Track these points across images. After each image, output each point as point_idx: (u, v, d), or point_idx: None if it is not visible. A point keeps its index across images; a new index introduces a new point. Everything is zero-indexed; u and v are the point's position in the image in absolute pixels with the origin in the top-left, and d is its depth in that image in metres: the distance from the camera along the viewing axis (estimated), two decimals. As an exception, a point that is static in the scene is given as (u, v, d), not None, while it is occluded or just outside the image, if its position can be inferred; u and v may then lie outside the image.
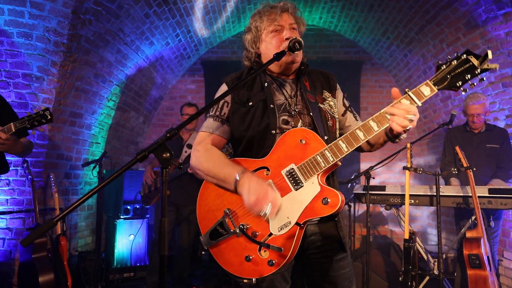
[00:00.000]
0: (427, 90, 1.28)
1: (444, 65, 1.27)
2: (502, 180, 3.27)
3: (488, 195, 2.83)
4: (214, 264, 4.26)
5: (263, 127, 1.48)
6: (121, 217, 4.32)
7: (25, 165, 3.41)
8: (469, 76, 1.23)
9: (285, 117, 1.50)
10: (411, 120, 1.26)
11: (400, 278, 2.69)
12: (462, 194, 2.93)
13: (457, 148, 2.85)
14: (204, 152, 1.52)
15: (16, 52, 3.29)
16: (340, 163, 1.41)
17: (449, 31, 3.94)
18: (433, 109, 4.87)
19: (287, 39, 1.48)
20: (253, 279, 1.37)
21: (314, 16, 5.56)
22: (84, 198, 0.98)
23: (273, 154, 1.43)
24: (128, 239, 4.28)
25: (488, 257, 2.58)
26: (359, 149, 1.59)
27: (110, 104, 4.52)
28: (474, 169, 2.76)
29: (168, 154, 1.08)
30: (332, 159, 1.33)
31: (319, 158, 1.34)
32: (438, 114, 4.71)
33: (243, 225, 1.39)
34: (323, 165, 1.34)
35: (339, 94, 1.67)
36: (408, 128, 1.27)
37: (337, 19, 5.44)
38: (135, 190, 4.35)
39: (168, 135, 1.11)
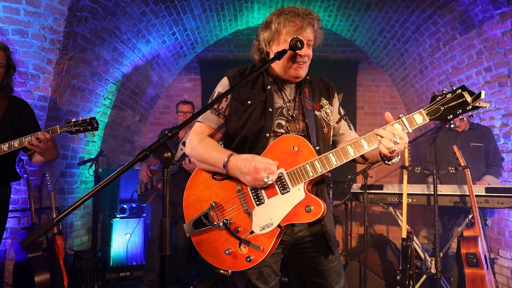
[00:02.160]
0: (419, 118, 1.35)
1: (439, 97, 1.34)
2: (494, 176, 3.32)
3: (485, 194, 2.86)
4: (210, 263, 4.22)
5: (258, 128, 1.51)
6: (117, 216, 4.30)
7: (21, 163, 3.38)
8: (460, 111, 1.31)
9: (280, 121, 1.54)
10: (396, 143, 1.31)
11: (397, 277, 2.70)
12: (459, 193, 2.95)
13: (454, 147, 2.86)
14: (199, 141, 1.55)
15: (11, 49, 3.24)
16: (328, 174, 1.44)
17: (445, 30, 3.96)
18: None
19: (301, 55, 1.51)
20: (229, 271, 1.44)
21: (311, 15, 5.55)
22: (86, 197, 0.97)
23: (265, 156, 1.46)
24: (124, 238, 4.26)
25: (485, 255, 2.60)
26: (355, 161, 1.65)
27: (106, 102, 4.49)
28: (470, 166, 2.79)
29: (169, 154, 1.08)
30: (320, 170, 1.39)
31: (308, 167, 1.40)
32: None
33: (227, 220, 1.45)
34: (311, 174, 1.39)
35: (336, 102, 1.72)
36: (392, 150, 1.32)
37: (334, 18, 5.44)
38: (131, 189, 4.33)
39: (169, 134, 1.10)
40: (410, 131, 1.34)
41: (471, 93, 1.30)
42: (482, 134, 3.50)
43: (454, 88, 1.33)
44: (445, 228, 3.69)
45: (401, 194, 2.97)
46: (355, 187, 3.36)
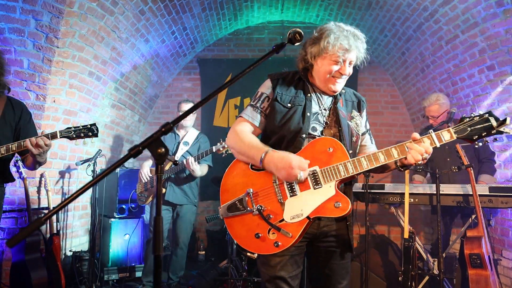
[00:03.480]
0: (447, 135, 1.50)
1: (467, 118, 1.49)
2: (489, 174, 3.29)
3: (488, 193, 2.81)
4: (211, 264, 4.19)
5: (296, 130, 1.66)
6: (116, 216, 4.26)
7: (18, 164, 3.34)
8: (485, 133, 1.47)
9: (315, 125, 1.69)
10: (424, 159, 1.49)
11: (399, 278, 2.65)
12: (462, 193, 2.90)
13: (457, 146, 2.82)
14: (240, 133, 1.71)
15: (8, 48, 3.22)
16: (357, 177, 1.62)
17: (447, 29, 3.91)
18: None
19: (341, 73, 1.67)
20: (255, 255, 1.63)
21: (311, 14, 5.52)
22: (75, 195, 0.93)
23: (302, 154, 1.60)
24: (123, 238, 4.22)
25: (489, 256, 2.55)
26: (373, 170, 1.72)
27: (105, 102, 4.45)
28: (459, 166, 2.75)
29: (163, 150, 1.04)
30: (352, 171, 1.53)
31: (341, 167, 1.54)
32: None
33: (261, 206, 1.59)
34: (343, 174, 1.54)
35: (364, 116, 1.88)
36: (420, 163, 1.51)
37: (334, 16, 5.41)
38: (130, 189, 4.29)
39: (163, 129, 1.06)
40: (438, 146, 1.49)
41: (496, 119, 1.45)
42: None
43: (482, 113, 1.49)
44: (446, 228, 3.65)
45: (403, 193, 2.93)
46: (357, 187, 3.31)
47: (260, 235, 1.57)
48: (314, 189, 1.56)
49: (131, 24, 4.02)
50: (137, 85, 4.97)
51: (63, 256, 3.96)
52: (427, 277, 3.01)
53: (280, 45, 1.35)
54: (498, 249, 3.68)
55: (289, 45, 1.40)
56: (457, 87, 4.22)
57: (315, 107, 1.72)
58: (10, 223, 3.48)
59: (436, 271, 2.81)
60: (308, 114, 1.68)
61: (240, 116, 1.78)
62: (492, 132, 1.44)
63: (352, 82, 5.53)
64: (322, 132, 1.69)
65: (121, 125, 5.08)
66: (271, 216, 1.58)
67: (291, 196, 1.57)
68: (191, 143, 3.94)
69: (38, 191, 3.67)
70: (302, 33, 1.39)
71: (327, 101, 1.76)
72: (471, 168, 2.68)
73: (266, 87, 1.79)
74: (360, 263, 3.37)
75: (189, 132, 3.98)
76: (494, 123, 1.43)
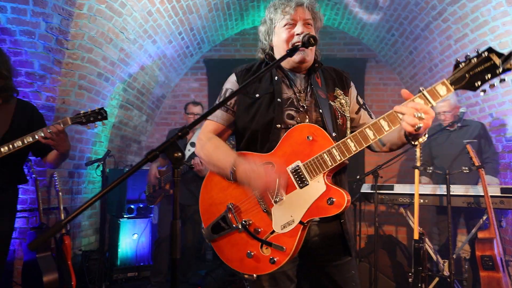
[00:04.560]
0: (443, 89, 1.20)
1: (462, 63, 1.19)
2: (491, 175, 3.25)
3: (500, 194, 2.78)
4: (218, 263, 4.19)
5: (267, 120, 1.45)
6: (125, 216, 4.29)
7: (29, 164, 3.38)
8: (489, 75, 1.15)
9: (291, 112, 1.47)
10: (421, 118, 1.17)
11: (409, 280, 2.65)
12: (473, 194, 2.88)
13: (468, 146, 2.80)
14: (207, 140, 1.53)
15: (19, 50, 3.25)
16: (347, 162, 1.37)
17: (456, 28, 3.88)
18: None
19: (298, 34, 1.45)
20: (254, 275, 1.37)
21: (318, 13, 5.50)
22: (94, 199, 0.94)
23: (278, 150, 1.40)
24: (132, 238, 4.25)
25: (501, 258, 2.53)
26: (372, 149, 1.56)
27: (113, 102, 4.48)
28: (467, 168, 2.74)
29: (179, 154, 1.04)
30: (339, 158, 1.30)
31: (326, 156, 1.31)
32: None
33: (245, 221, 1.39)
34: (330, 163, 1.30)
35: (353, 92, 1.64)
36: (418, 126, 1.18)
37: (341, 16, 5.39)
38: (139, 189, 4.32)
39: (179, 133, 1.07)
40: (434, 104, 1.20)
41: (499, 54, 1.14)
42: (475, 130, 3.46)
43: (480, 51, 1.17)
44: (455, 229, 3.63)
45: (413, 194, 2.91)
46: (365, 187, 3.31)
47: (252, 253, 1.36)
48: (301, 188, 1.34)
49: (139, 26, 4.04)
50: (144, 86, 4.99)
51: (73, 255, 4.00)
52: (437, 279, 2.99)
53: (293, 49, 1.35)
54: (510, 250, 3.65)
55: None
56: (465, 87, 4.19)
57: (287, 92, 1.51)
58: (21, 223, 3.52)
59: (446, 273, 2.80)
60: (279, 100, 1.47)
61: (207, 119, 1.58)
62: (497, 71, 1.14)
63: (359, 81, 5.52)
64: (299, 119, 1.46)
65: (128, 125, 5.12)
66: (259, 230, 1.37)
67: (276, 202, 1.36)
68: (199, 143, 3.95)
69: (48, 191, 3.71)
70: (317, 37, 1.38)
71: (301, 82, 1.54)
72: (483, 169, 2.65)
73: (231, 82, 1.60)
74: (369, 263, 3.36)
75: (196, 134, 4.00)
76: (498, 61, 1.14)
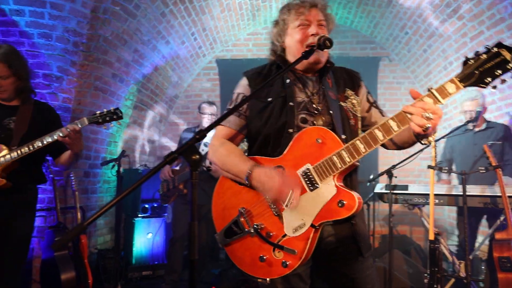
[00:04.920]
0: (452, 87, 1.18)
1: (471, 60, 1.17)
2: (510, 177, 3.19)
3: (518, 195, 2.73)
4: (231, 262, 4.22)
5: (280, 124, 1.45)
6: (139, 215, 4.35)
7: (46, 164, 3.45)
8: (500, 71, 1.13)
9: (304, 116, 1.46)
10: (429, 118, 1.16)
11: (425, 280, 2.62)
12: (490, 194, 2.83)
13: (485, 146, 2.76)
14: (219, 146, 1.53)
15: (37, 52, 3.33)
16: (358, 163, 1.37)
17: (472, 25, 3.82)
18: (454, 106, 4.74)
19: (313, 35, 1.45)
20: (267, 279, 1.37)
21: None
22: (116, 200, 0.97)
23: (289, 153, 1.41)
24: (146, 237, 4.31)
25: (520, 259, 2.49)
26: (385, 147, 1.55)
27: (128, 103, 4.55)
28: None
29: (197, 156, 1.06)
30: (349, 160, 1.29)
31: (335, 158, 1.30)
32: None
33: (257, 225, 1.39)
34: (340, 166, 1.29)
35: (363, 91, 1.62)
36: (426, 127, 1.16)
37: (353, 14, 5.35)
38: (153, 188, 4.37)
39: (197, 136, 1.09)
40: (443, 102, 1.18)
41: (509, 49, 1.12)
42: (499, 132, 3.39)
43: (489, 47, 1.14)
44: (472, 230, 3.57)
45: (428, 194, 2.88)
46: (379, 187, 3.28)
47: (265, 257, 1.36)
48: (311, 191, 1.33)
49: (153, 27, 4.09)
50: (158, 86, 5.05)
51: (89, 253, 4.07)
52: (453, 280, 2.96)
53: (309, 52, 1.35)
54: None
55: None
56: (482, 85, 4.12)
57: (300, 95, 1.50)
58: (39, 222, 3.60)
59: (462, 274, 2.76)
60: (292, 103, 1.46)
61: (220, 125, 1.56)
62: (508, 67, 1.12)
63: (372, 80, 5.48)
64: (313, 123, 1.45)
65: (142, 126, 5.18)
66: (271, 233, 1.37)
67: (287, 205, 1.36)
68: (212, 144, 3.98)
69: (65, 191, 3.78)
70: (332, 40, 1.38)
71: (313, 85, 1.54)
72: (500, 169, 2.61)
73: (242, 86, 1.60)
74: (383, 263, 3.34)
75: (209, 133, 4.02)
76: (508, 55, 1.12)
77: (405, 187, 3.16)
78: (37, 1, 3.09)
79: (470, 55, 1.21)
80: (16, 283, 2.27)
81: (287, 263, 1.32)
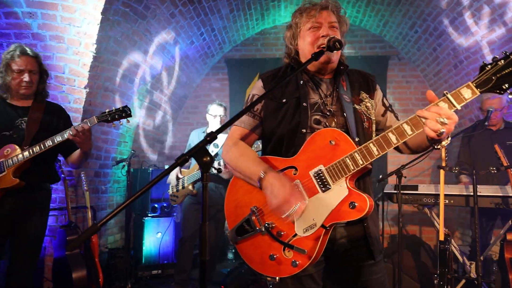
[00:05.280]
0: (468, 92, 1.17)
1: (489, 65, 1.15)
2: None
3: (530, 195, 2.70)
4: (240, 262, 4.23)
5: (293, 125, 1.46)
6: (149, 215, 4.39)
7: (58, 164, 3.50)
8: None
9: (318, 117, 1.48)
10: (443, 124, 1.15)
11: (435, 281, 2.60)
12: (501, 194, 2.80)
13: (496, 146, 2.73)
14: (233, 146, 1.55)
15: (49, 54, 3.38)
16: (371, 166, 1.37)
17: (483, 23, 3.78)
18: (465, 105, 4.69)
19: (323, 36, 1.46)
20: (276, 278, 1.38)
21: (339, 11, 5.45)
22: (129, 201, 0.98)
23: (302, 154, 1.42)
24: (156, 237, 4.35)
25: (532, 261, 2.46)
26: (399, 150, 1.55)
27: (137, 103, 4.59)
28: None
29: (208, 158, 1.07)
30: (361, 162, 1.29)
31: (348, 160, 1.31)
32: (470, 109, 4.53)
33: (268, 224, 1.40)
34: (352, 168, 1.30)
35: (378, 94, 1.62)
36: (440, 132, 1.16)
37: (362, 13, 5.32)
38: (162, 188, 4.40)
39: (208, 138, 1.10)
40: (459, 108, 1.17)
41: None
42: None
43: (508, 53, 1.12)
44: (483, 230, 3.53)
45: (438, 195, 2.86)
46: (389, 187, 3.26)
47: (275, 256, 1.37)
48: (323, 192, 1.34)
49: (162, 27, 4.12)
50: (167, 86, 5.09)
51: (99, 252, 4.12)
52: (463, 281, 2.93)
53: (318, 53, 1.35)
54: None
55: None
56: (493, 84, 4.07)
57: (314, 96, 1.52)
58: (51, 221, 3.65)
59: (473, 275, 2.73)
60: (305, 104, 1.47)
61: (234, 125, 1.58)
62: None
63: (381, 79, 5.44)
64: (326, 124, 1.47)
65: (152, 126, 5.22)
66: (282, 232, 1.38)
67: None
68: (221, 145, 3.99)
69: (76, 191, 3.83)
70: (343, 42, 1.38)
71: (327, 86, 1.55)
72: (511, 169, 2.58)
73: (257, 88, 1.62)
74: (392, 264, 3.32)
75: (219, 136, 4.03)
76: None
77: (415, 187, 3.14)
78: (49, 4, 3.13)
79: (482, 54, 1.21)
80: (30, 282, 2.31)
81: (297, 262, 1.33)
